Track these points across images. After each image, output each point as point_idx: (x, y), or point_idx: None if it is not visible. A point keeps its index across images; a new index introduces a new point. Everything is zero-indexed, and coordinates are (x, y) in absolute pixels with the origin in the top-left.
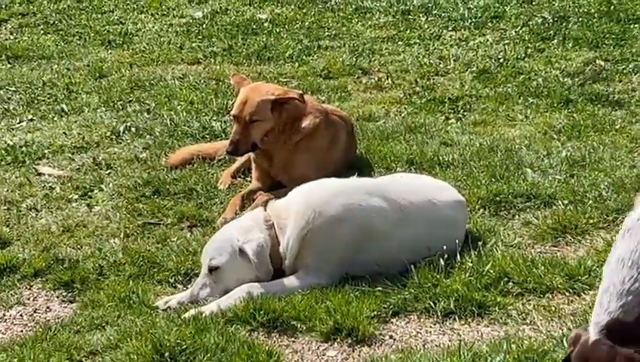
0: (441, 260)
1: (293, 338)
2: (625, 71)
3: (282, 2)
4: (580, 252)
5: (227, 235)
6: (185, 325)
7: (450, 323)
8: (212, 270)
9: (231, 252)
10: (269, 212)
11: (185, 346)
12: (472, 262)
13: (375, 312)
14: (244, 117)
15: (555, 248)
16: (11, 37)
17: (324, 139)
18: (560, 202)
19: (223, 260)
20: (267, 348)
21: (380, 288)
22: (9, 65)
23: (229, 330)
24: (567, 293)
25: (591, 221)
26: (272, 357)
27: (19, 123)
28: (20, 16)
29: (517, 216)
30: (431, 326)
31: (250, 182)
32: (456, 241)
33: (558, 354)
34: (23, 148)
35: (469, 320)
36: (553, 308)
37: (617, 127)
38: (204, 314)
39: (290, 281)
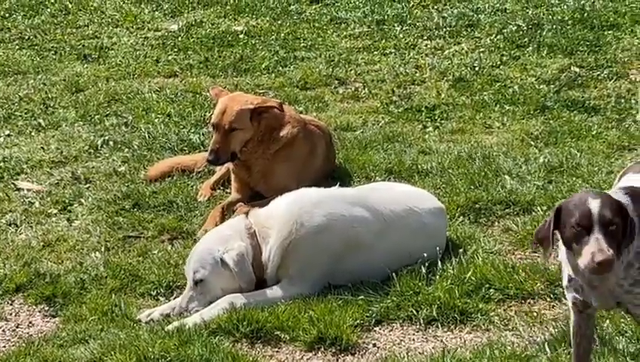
0: (423, 268)
1: (277, 349)
2: (600, 77)
3: (257, 14)
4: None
5: (207, 246)
6: (168, 337)
7: (433, 331)
8: (197, 283)
9: (213, 263)
10: (251, 220)
11: (169, 358)
12: (453, 270)
13: (358, 321)
14: (224, 125)
15: (535, 254)
16: None
17: (302, 149)
18: (539, 208)
19: (206, 273)
20: (251, 358)
21: (362, 297)
22: None
23: (212, 341)
24: (548, 299)
25: None
26: None
27: None
28: None
29: (496, 223)
30: (414, 334)
31: (230, 193)
32: (437, 249)
33: (540, 359)
34: (1, 164)
35: (452, 327)
36: (535, 314)
37: (594, 132)
38: (187, 326)
39: (273, 291)
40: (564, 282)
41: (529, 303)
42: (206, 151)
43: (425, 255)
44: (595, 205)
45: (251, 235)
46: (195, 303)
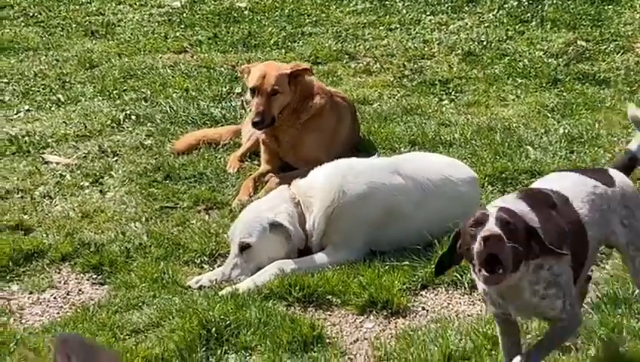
0: None
1: (329, 312)
2: (607, 50)
3: None
4: None
5: (255, 214)
6: (224, 302)
7: (477, 295)
8: (243, 249)
9: (261, 230)
10: (294, 190)
11: (229, 321)
12: None
13: (405, 285)
14: (266, 89)
15: None
16: None
17: (330, 120)
18: None
19: (254, 239)
20: (308, 321)
21: (407, 262)
22: None
23: (267, 306)
24: None
25: None
26: (315, 329)
27: (16, 113)
28: None
29: None
30: (460, 297)
31: (259, 165)
32: None
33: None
34: (26, 138)
35: None
36: None
37: (608, 104)
38: (240, 291)
39: (320, 257)
40: (482, 295)
41: None
42: (229, 124)
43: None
44: (483, 234)
45: (296, 204)
46: (239, 271)
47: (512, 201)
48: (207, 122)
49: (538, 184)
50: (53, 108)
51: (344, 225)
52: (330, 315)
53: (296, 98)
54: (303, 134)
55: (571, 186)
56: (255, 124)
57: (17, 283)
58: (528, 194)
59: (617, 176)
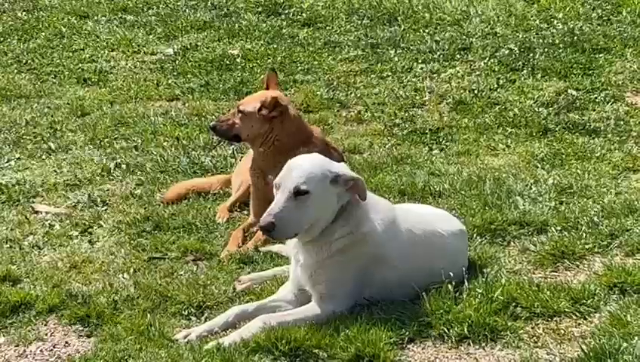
0: (450, 287)
1: None
2: (597, 100)
3: (251, 38)
4: (580, 276)
5: (316, 163)
6: (210, 356)
7: (465, 348)
8: (299, 194)
9: (322, 178)
10: None
11: None
12: (480, 289)
13: (392, 339)
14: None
15: (555, 273)
16: None
17: None
18: (553, 228)
19: (312, 185)
20: None
21: (394, 315)
22: None
23: (254, 359)
24: (574, 316)
25: (587, 246)
26: None
27: (7, 162)
28: None
29: (512, 243)
30: (447, 351)
31: (248, 215)
32: (462, 268)
33: None
34: (16, 187)
35: (483, 344)
36: (562, 331)
37: (597, 154)
38: (225, 345)
39: (305, 310)
40: None
41: (556, 321)
42: (218, 174)
43: (451, 274)
44: None
45: None
46: (287, 213)
47: None
48: (198, 171)
49: None
50: (43, 157)
51: (330, 275)
52: None
53: (278, 133)
54: None
55: None
56: (211, 128)
57: (4, 336)
58: None
59: None
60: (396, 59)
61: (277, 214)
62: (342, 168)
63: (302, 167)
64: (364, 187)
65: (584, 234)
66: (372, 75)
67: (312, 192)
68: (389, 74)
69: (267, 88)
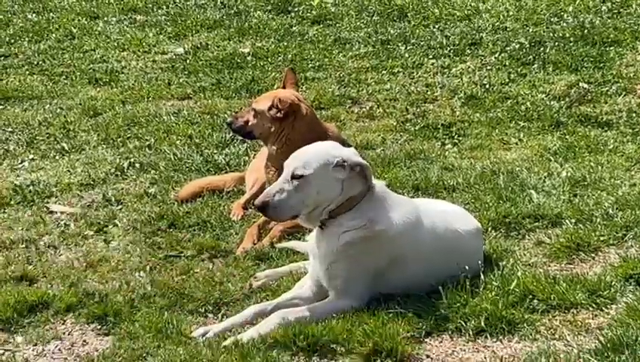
0: (467, 281)
1: (334, 361)
2: (609, 92)
3: (261, 36)
4: (595, 268)
5: (322, 149)
6: (229, 352)
7: (482, 341)
8: (296, 177)
9: (322, 164)
10: None
11: None
12: (496, 282)
13: (410, 333)
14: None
15: (571, 265)
16: None
17: None
18: (568, 221)
19: (311, 171)
20: None
21: (411, 309)
22: (0, 107)
23: (272, 355)
24: (590, 308)
25: (602, 238)
26: None
27: (21, 163)
28: (2, 58)
29: (527, 236)
30: (464, 344)
31: None
32: (479, 263)
33: None
34: (30, 188)
35: (500, 337)
36: (579, 323)
37: (610, 147)
38: (244, 341)
39: (322, 305)
40: None
41: (572, 313)
42: (232, 171)
43: (467, 268)
44: None
45: None
46: (284, 195)
47: None
48: (211, 169)
49: None
50: (57, 157)
51: (343, 270)
52: None
53: (290, 132)
54: None
55: None
56: (227, 124)
57: (22, 335)
58: None
59: None
60: (407, 55)
61: (271, 194)
62: (350, 154)
63: (303, 152)
64: (370, 173)
65: (599, 226)
66: (383, 71)
67: (309, 176)
68: (400, 70)
69: (284, 87)
